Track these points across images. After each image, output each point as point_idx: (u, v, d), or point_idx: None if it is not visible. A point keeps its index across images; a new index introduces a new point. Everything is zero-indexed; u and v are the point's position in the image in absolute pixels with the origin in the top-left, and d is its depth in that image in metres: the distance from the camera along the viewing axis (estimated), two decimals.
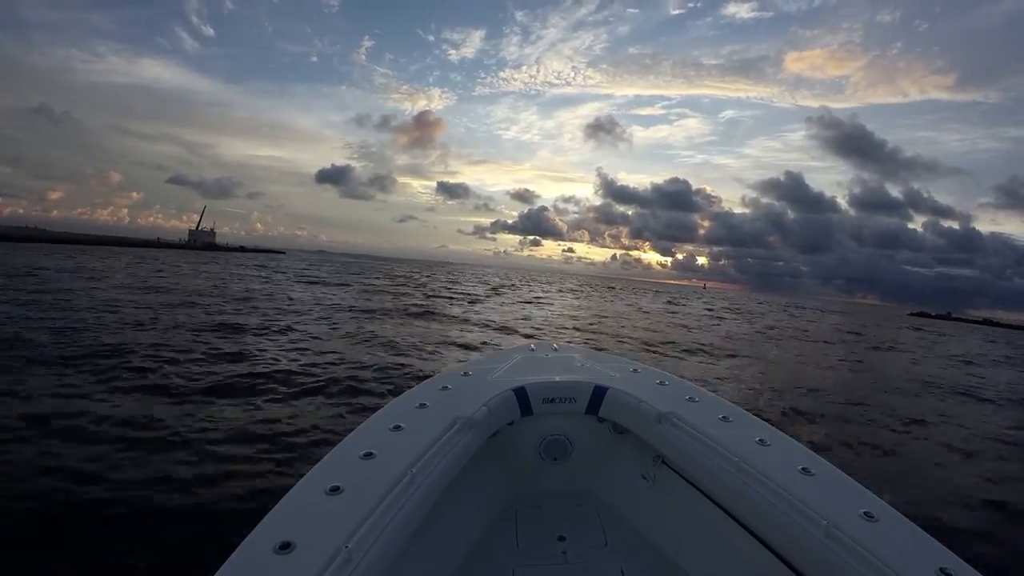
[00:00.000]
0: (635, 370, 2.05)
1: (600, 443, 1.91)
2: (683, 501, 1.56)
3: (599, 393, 1.79)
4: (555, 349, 2.39)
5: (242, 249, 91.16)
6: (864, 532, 1.01)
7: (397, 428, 1.40)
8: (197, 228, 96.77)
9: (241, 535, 0.92)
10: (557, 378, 1.86)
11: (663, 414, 1.55)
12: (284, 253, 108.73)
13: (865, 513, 1.06)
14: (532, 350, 2.36)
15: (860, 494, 1.16)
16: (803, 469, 1.24)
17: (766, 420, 1.58)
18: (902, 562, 0.92)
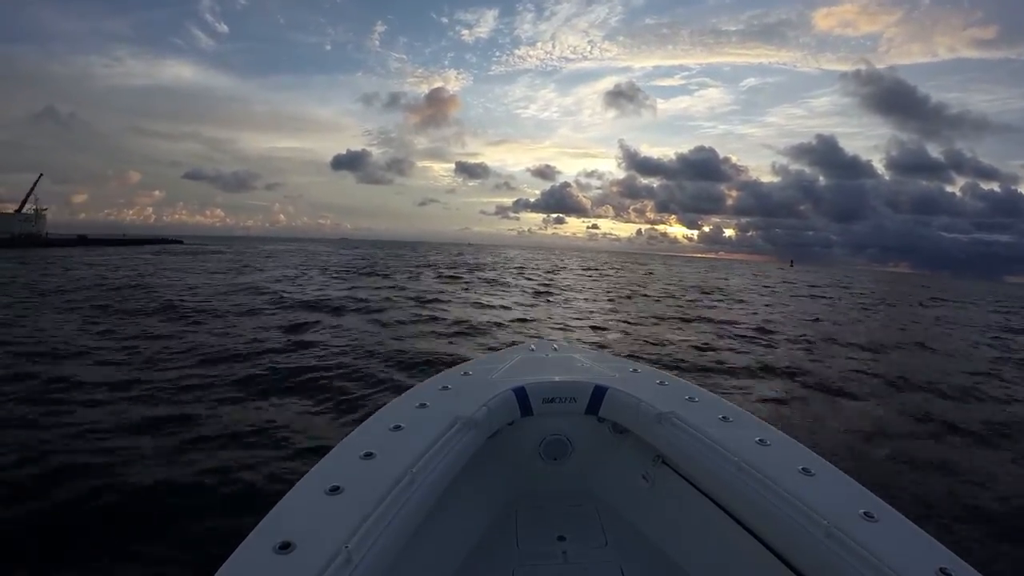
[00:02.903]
0: (635, 370, 2.05)
1: (600, 443, 1.91)
2: (683, 501, 1.56)
3: (599, 393, 1.79)
4: (555, 349, 2.39)
5: (83, 241, 52.13)
6: (864, 532, 1.01)
7: (397, 428, 1.40)
8: (19, 209, 52.83)
9: (242, 534, 0.93)
10: (557, 378, 1.87)
11: (663, 414, 1.55)
12: (181, 243, 69.58)
13: (865, 513, 1.06)
14: (532, 350, 2.36)
15: (860, 494, 1.16)
16: (803, 469, 1.24)
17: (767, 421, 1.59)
18: (902, 562, 0.92)
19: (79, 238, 55.77)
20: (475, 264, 36.16)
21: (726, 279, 34.34)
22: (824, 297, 22.70)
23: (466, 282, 19.04)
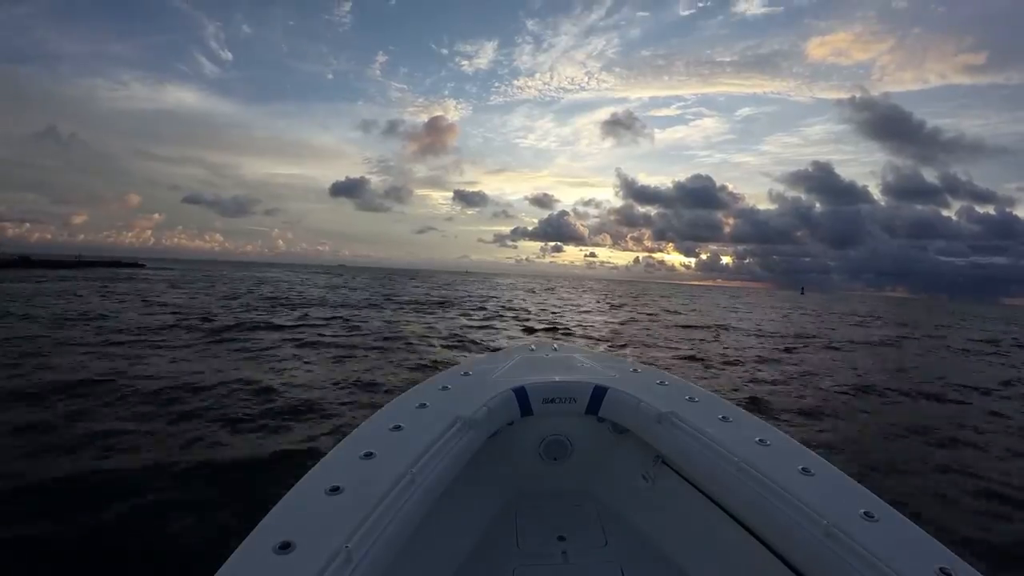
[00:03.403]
0: (635, 370, 2.05)
1: (600, 443, 1.91)
2: (683, 501, 1.56)
3: (599, 393, 1.79)
4: (555, 349, 2.39)
5: (25, 263, 44.65)
6: (864, 532, 1.01)
7: (397, 428, 1.40)
8: None
9: (241, 534, 0.92)
10: (557, 378, 1.87)
11: (663, 414, 1.55)
12: (143, 266, 62.48)
13: (865, 513, 1.06)
14: (532, 350, 2.36)
15: (860, 494, 1.16)
16: (803, 469, 1.24)
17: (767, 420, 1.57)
18: (902, 562, 0.92)
19: (20, 259, 48.12)
20: (463, 298, 25.50)
21: (786, 316, 25.60)
22: (964, 350, 14.27)
23: (423, 356, 8.44)
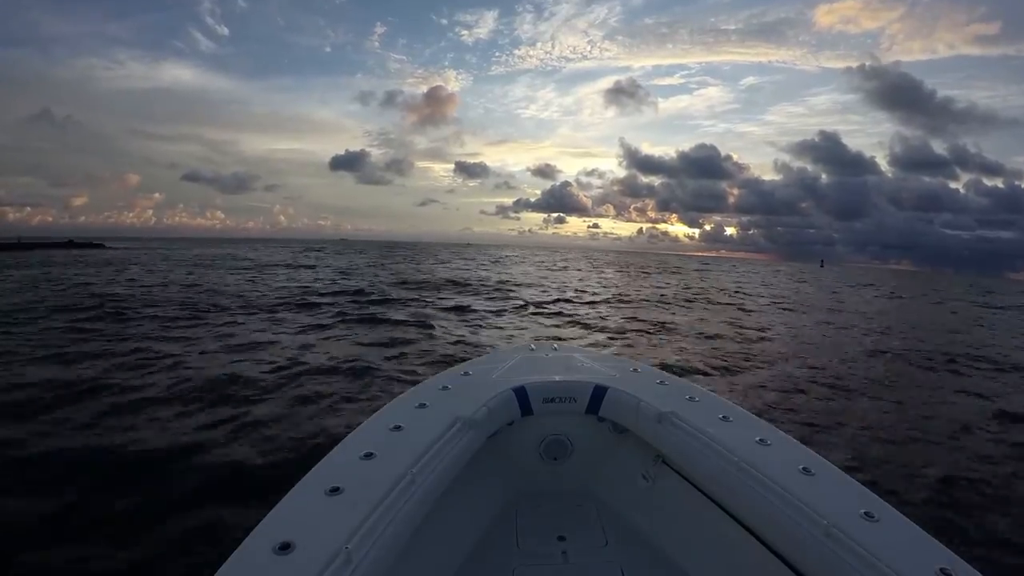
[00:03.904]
0: (635, 370, 2.05)
1: (600, 443, 1.91)
2: (683, 501, 1.56)
3: (599, 393, 1.79)
4: (555, 349, 2.39)
5: None
6: (864, 532, 1.01)
7: (397, 428, 1.40)
8: None
9: (241, 535, 0.93)
10: (557, 378, 1.87)
11: (663, 414, 1.55)
12: (102, 246, 53.91)
13: (865, 513, 1.06)
14: (532, 350, 2.36)
15: (860, 494, 1.16)
16: (803, 469, 1.24)
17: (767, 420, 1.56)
18: (902, 562, 0.92)
19: None
20: (442, 281, 18.13)
21: (882, 303, 18.79)
22: None
23: None
